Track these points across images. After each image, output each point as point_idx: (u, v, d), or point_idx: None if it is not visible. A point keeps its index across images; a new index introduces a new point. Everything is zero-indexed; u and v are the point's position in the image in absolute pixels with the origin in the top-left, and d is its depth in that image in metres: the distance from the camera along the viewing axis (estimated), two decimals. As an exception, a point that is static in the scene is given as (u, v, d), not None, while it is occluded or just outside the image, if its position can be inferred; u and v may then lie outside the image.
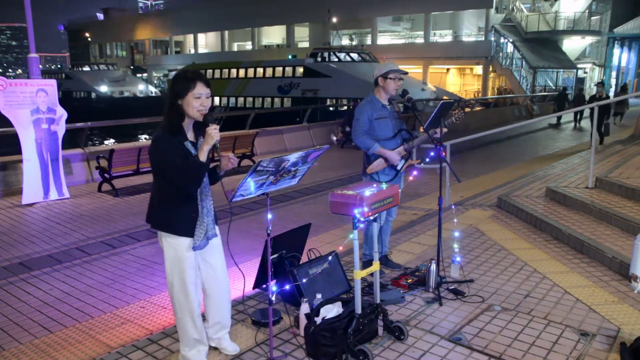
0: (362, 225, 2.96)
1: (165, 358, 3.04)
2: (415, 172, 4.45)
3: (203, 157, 2.59)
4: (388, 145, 4.10)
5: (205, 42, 55.84)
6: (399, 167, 4.14)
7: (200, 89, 2.62)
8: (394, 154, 4.07)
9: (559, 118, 19.78)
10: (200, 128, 2.72)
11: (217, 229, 2.92)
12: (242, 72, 32.66)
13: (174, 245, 2.74)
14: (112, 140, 28.22)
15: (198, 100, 2.62)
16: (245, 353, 3.06)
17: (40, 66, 9.73)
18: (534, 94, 28.96)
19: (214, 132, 2.57)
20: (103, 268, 5.02)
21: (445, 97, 23.80)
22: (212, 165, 2.81)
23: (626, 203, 5.50)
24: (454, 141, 7.27)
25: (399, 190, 3.46)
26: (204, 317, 3.06)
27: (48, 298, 4.31)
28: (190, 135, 2.73)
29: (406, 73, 4.23)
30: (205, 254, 2.86)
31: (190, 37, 54.55)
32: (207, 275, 2.92)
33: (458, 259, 4.28)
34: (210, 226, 2.81)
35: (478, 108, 23.42)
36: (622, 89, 19.92)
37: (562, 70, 33.91)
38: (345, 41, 35.32)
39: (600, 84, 13.85)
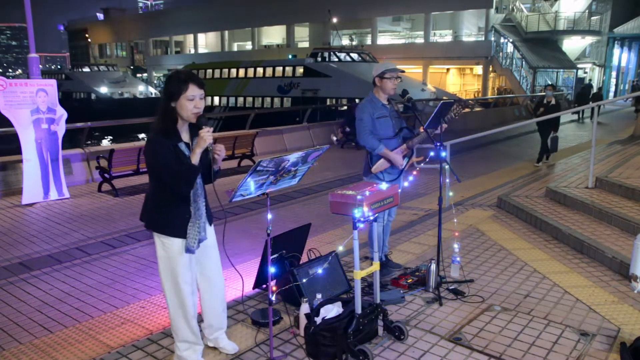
0: (362, 225, 2.95)
1: (165, 358, 3.04)
2: (414, 173, 4.45)
3: (195, 159, 2.58)
4: (390, 144, 4.10)
5: (205, 42, 55.81)
6: (402, 167, 4.15)
7: (193, 91, 2.60)
8: (398, 157, 4.08)
9: (580, 114, 20.66)
10: (195, 129, 2.70)
11: (212, 230, 2.91)
12: (241, 72, 32.65)
13: (166, 246, 2.73)
14: (111, 138, 28.22)
15: (191, 102, 2.60)
16: (245, 353, 3.06)
17: (40, 66, 9.73)
18: (534, 94, 28.95)
19: (206, 135, 2.55)
20: (103, 268, 5.01)
21: (444, 98, 23.79)
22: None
23: (626, 203, 5.49)
24: (454, 141, 7.27)
25: (399, 190, 3.46)
26: (200, 318, 3.06)
27: (48, 298, 4.31)
28: (185, 137, 2.71)
29: (403, 71, 4.22)
30: (199, 255, 2.85)
31: (190, 37, 54.52)
32: (201, 276, 2.92)
33: (458, 259, 4.28)
34: (203, 227, 2.78)
35: (478, 109, 23.39)
36: None
37: (562, 70, 33.89)
38: (345, 41, 35.30)
39: (550, 87, 10.72)
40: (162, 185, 2.67)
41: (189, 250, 2.74)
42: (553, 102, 10.17)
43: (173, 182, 2.61)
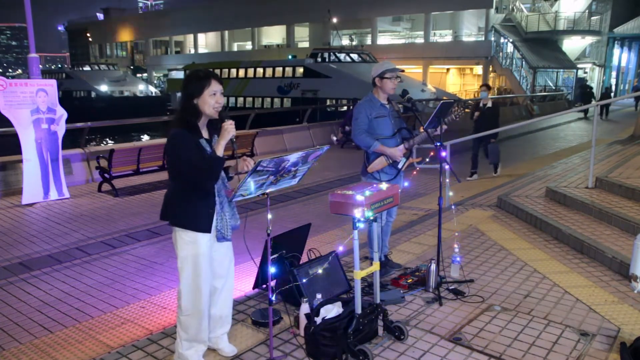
0: (362, 226, 2.95)
1: (165, 358, 3.04)
2: (414, 172, 4.45)
3: (220, 151, 2.66)
4: (388, 144, 4.10)
5: (205, 42, 55.84)
6: (400, 166, 4.14)
7: (215, 87, 2.71)
8: (395, 150, 4.07)
9: (586, 112, 21.93)
10: (214, 126, 2.81)
11: (238, 221, 2.96)
12: (241, 72, 32.65)
13: (192, 242, 2.76)
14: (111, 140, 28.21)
15: (214, 98, 2.70)
16: (245, 353, 3.06)
17: (40, 66, 9.73)
18: (534, 94, 28.96)
19: (230, 127, 2.65)
20: (103, 268, 5.02)
21: (444, 98, 23.79)
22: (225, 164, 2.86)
23: (626, 203, 5.49)
24: (454, 141, 7.27)
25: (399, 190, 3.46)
26: None
27: (48, 298, 4.31)
28: (205, 133, 2.79)
29: (402, 71, 4.23)
30: (216, 250, 2.89)
31: (190, 37, 54.54)
32: (214, 272, 2.93)
33: (458, 259, 4.28)
34: (231, 219, 2.89)
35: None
36: None
37: (562, 70, 33.92)
38: (345, 41, 35.28)
39: (485, 87, 9.31)
40: (184, 181, 2.74)
41: (224, 238, 2.84)
42: (489, 104, 9.01)
43: (196, 176, 2.68)
